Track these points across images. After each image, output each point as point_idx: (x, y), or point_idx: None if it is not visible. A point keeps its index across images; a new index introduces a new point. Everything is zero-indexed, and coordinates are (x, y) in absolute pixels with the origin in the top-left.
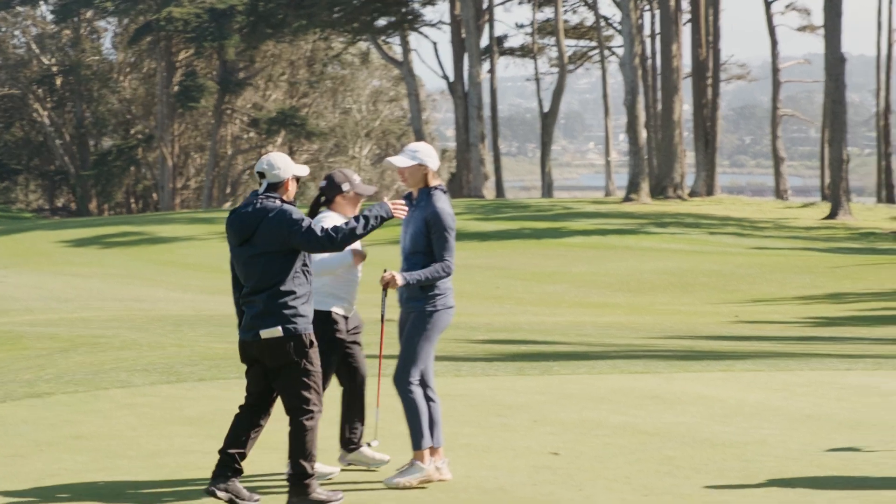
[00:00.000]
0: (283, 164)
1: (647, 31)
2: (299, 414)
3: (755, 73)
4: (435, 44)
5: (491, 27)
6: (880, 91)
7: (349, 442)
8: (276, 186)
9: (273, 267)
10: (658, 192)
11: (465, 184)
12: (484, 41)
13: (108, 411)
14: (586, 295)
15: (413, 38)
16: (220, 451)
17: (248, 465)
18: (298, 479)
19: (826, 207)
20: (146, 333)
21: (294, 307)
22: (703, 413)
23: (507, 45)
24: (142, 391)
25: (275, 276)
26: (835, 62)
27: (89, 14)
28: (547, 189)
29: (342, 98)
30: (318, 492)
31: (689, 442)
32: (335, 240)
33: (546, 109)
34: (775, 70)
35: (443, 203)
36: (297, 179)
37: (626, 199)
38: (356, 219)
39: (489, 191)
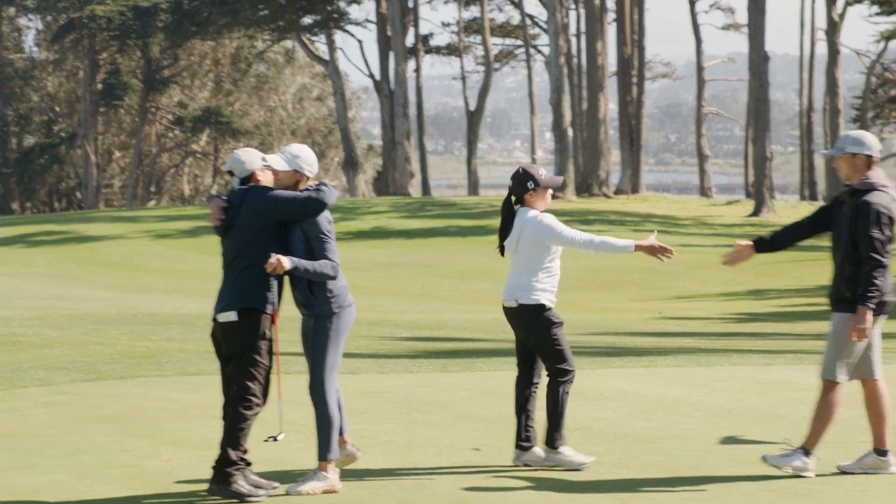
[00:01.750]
0: (248, 157)
1: (572, 29)
2: (237, 403)
3: (680, 71)
4: (361, 42)
5: (417, 25)
6: (803, 90)
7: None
8: (247, 180)
9: (238, 248)
10: (584, 189)
11: (391, 182)
12: (410, 40)
13: (25, 409)
14: None
15: (339, 36)
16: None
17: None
18: (224, 468)
19: (750, 205)
20: (68, 332)
21: (247, 292)
22: (624, 408)
23: (433, 43)
24: (61, 389)
25: (238, 254)
26: (759, 61)
27: (11, 11)
28: (473, 187)
29: (267, 96)
30: (241, 484)
31: (610, 437)
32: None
33: (472, 108)
34: (700, 69)
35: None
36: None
37: (552, 196)
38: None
39: (415, 189)
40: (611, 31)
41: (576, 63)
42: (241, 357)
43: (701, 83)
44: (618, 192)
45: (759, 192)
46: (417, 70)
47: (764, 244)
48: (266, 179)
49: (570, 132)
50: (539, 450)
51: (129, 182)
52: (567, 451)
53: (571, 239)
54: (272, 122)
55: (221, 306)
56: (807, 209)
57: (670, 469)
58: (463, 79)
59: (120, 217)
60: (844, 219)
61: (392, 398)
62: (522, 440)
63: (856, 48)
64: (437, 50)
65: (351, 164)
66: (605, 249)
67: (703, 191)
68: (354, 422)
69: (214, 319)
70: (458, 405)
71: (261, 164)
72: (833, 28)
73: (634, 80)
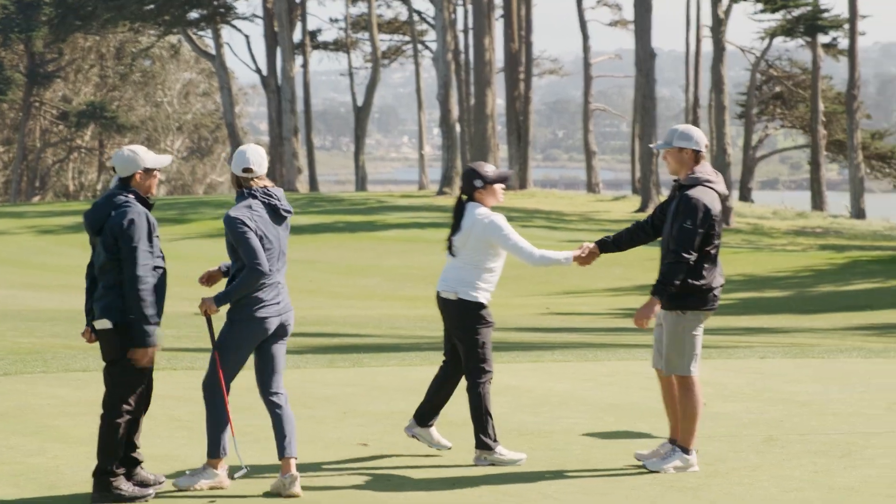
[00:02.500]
0: (131, 157)
1: (460, 25)
2: (108, 410)
3: (567, 67)
4: (247, 37)
5: (304, 21)
6: (689, 86)
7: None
8: (126, 180)
9: (105, 261)
10: None
11: (278, 178)
12: (297, 35)
13: None
14: (399, 288)
15: (225, 31)
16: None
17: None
18: (102, 476)
19: (636, 200)
20: None
21: (117, 301)
22: (512, 403)
23: (320, 39)
24: None
25: (104, 268)
26: (645, 57)
27: None
28: (361, 183)
29: (153, 91)
30: (123, 487)
31: (498, 432)
32: (134, 286)
33: (360, 104)
34: (587, 65)
35: (236, 211)
36: (152, 171)
37: (440, 192)
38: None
39: (303, 184)
40: (498, 27)
41: (463, 59)
42: (111, 365)
43: (588, 79)
44: (505, 187)
45: (645, 187)
46: (305, 66)
47: (607, 245)
48: (149, 184)
49: (457, 128)
50: (434, 431)
51: (12, 177)
52: (501, 451)
53: (515, 244)
54: (158, 117)
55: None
56: None
57: (558, 463)
58: (350, 75)
59: (3, 213)
60: (670, 214)
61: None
62: (423, 414)
63: (741, 45)
64: (325, 46)
65: None
66: (544, 263)
67: (591, 186)
68: (240, 418)
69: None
70: (346, 401)
71: (143, 166)
72: (718, 25)
73: (522, 76)
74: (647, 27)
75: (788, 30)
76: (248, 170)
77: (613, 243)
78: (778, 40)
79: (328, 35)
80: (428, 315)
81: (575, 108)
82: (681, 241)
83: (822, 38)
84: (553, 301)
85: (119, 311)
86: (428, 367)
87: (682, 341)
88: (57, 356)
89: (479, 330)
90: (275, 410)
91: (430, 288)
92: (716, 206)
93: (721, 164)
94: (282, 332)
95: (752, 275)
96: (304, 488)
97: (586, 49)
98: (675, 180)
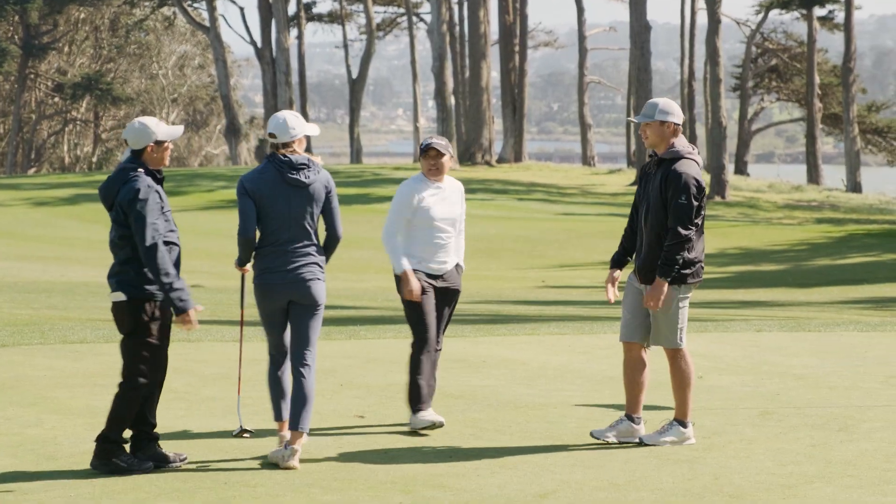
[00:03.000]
0: (143, 131)
1: None
2: (125, 382)
3: (562, 40)
4: (242, 9)
5: None
6: (684, 59)
7: None
8: (138, 153)
9: (118, 235)
10: (466, 158)
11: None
12: (292, 7)
13: None
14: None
15: (220, 3)
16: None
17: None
18: (104, 444)
19: (632, 174)
20: None
21: (132, 275)
22: (507, 376)
23: (315, 11)
24: None
25: (118, 242)
26: (640, 30)
27: None
28: (356, 155)
29: (148, 63)
30: (122, 459)
31: (494, 404)
32: (151, 259)
33: (354, 76)
34: (582, 37)
35: (245, 175)
36: (163, 144)
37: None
38: (175, 272)
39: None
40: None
41: (458, 31)
42: (127, 338)
43: (583, 52)
44: (500, 160)
45: (641, 160)
46: (300, 38)
47: (621, 260)
48: (160, 156)
49: (452, 100)
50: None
51: (8, 150)
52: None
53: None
54: (153, 89)
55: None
56: None
57: (553, 436)
58: (345, 47)
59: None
60: (655, 189)
61: None
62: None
63: (736, 18)
64: (320, 18)
65: (233, 132)
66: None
67: (586, 159)
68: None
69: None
70: (342, 373)
71: (154, 139)
72: None
73: (517, 48)
74: None
75: (784, 2)
76: (271, 135)
77: (624, 254)
78: (774, 13)
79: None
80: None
81: (570, 80)
82: (680, 217)
83: (818, 11)
84: (548, 274)
85: (132, 286)
86: None
87: (676, 315)
88: (54, 328)
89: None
90: (296, 380)
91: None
92: (701, 179)
93: (717, 137)
94: (302, 301)
95: (748, 248)
96: (300, 460)
97: (581, 21)
98: (651, 154)
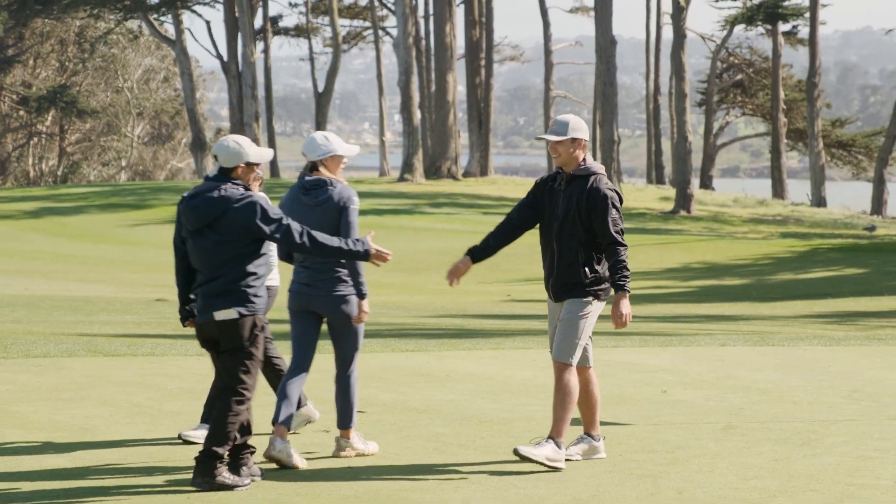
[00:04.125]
0: (237, 150)
1: (420, 11)
2: (232, 395)
3: (528, 54)
4: (208, 23)
5: (265, 6)
6: (650, 74)
7: None
8: (227, 171)
9: (234, 253)
10: (432, 172)
11: None
12: (258, 21)
13: None
14: None
15: (186, 16)
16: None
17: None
18: (209, 461)
19: None
20: None
21: (249, 291)
22: (471, 390)
23: (281, 24)
24: None
25: (235, 260)
26: (606, 44)
27: None
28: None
29: (113, 77)
30: (225, 476)
31: (458, 419)
32: (309, 247)
33: (321, 89)
34: (548, 52)
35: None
36: (253, 165)
37: (401, 178)
38: (338, 239)
39: (264, 170)
40: (459, 14)
41: (424, 45)
42: (239, 350)
43: (549, 66)
44: (466, 174)
45: (607, 175)
46: (266, 51)
47: (477, 252)
48: (248, 177)
49: (418, 114)
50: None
51: None
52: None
53: None
54: (118, 102)
55: (218, 303)
56: (654, 192)
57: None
58: (311, 60)
59: None
60: (570, 207)
61: None
62: None
63: (701, 33)
64: (286, 31)
65: (199, 146)
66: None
67: None
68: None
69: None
70: (307, 387)
71: (245, 160)
72: (679, 12)
73: (483, 62)
74: (608, 14)
75: (749, 17)
76: (304, 154)
77: (483, 250)
78: (738, 28)
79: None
80: (389, 302)
81: (536, 94)
82: (617, 230)
83: (783, 27)
84: (514, 288)
85: (246, 302)
86: (389, 353)
87: (582, 328)
88: (17, 342)
89: None
90: (340, 388)
91: (388, 274)
92: (618, 191)
93: (682, 151)
94: (327, 317)
95: (713, 262)
96: (264, 475)
97: (547, 36)
98: (558, 169)
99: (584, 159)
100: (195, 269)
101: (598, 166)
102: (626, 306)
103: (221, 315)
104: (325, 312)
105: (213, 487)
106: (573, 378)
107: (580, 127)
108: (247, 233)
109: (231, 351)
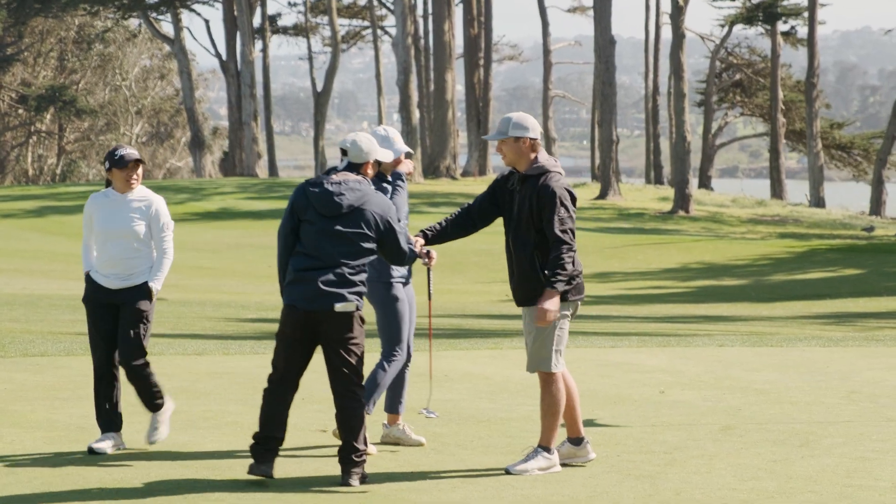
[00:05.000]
0: (368, 147)
1: (419, 10)
2: (354, 393)
3: (527, 54)
4: (207, 21)
5: (263, 5)
6: (649, 73)
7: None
8: (357, 166)
9: (360, 246)
10: (431, 171)
11: (237, 162)
12: (257, 20)
13: None
14: None
15: (185, 15)
16: (259, 437)
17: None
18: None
19: (596, 188)
20: None
21: (362, 285)
22: (469, 390)
23: (280, 23)
24: None
25: (359, 254)
26: (605, 44)
27: None
28: (320, 168)
29: (112, 75)
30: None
31: (456, 419)
32: (407, 253)
33: (319, 89)
34: (546, 51)
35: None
36: (379, 164)
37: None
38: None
39: (262, 170)
40: (458, 13)
41: (423, 44)
42: (352, 344)
43: (548, 66)
44: (465, 173)
45: (605, 175)
46: (264, 50)
47: (432, 236)
48: (371, 173)
49: (417, 114)
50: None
51: None
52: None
53: None
54: (117, 101)
55: (338, 296)
56: (652, 192)
57: (515, 451)
58: (310, 59)
59: None
60: (523, 208)
61: (237, 379)
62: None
63: (700, 32)
64: (285, 30)
65: (197, 145)
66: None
67: None
68: (199, 403)
69: (316, 308)
70: (304, 387)
71: (374, 157)
72: (678, 12)
73: (481, 61)
74: (607, 14)
75: (748, 17)
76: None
77: (439, 235)
78: (737, 28)
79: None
80: None
81: (534, 94)
82: (563, 228)
83: (782, 26)
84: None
85: (360, 295)
86: None
87: (554, 336)
88: (15, 340)
89: None
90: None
91: None
92: (571, 190)
93: (680, 151)
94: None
95: (711, 263)
96: (262, 475)
97: (546, 35)
98: (512, 171)
99: (535, 157)
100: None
101: (551, 163)
102: (551, 304)
103: (341, 307)
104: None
105: (365, 480)
106: (558, 385)
107: (525, 124)
108: (378, 228)
109: (341, 342)
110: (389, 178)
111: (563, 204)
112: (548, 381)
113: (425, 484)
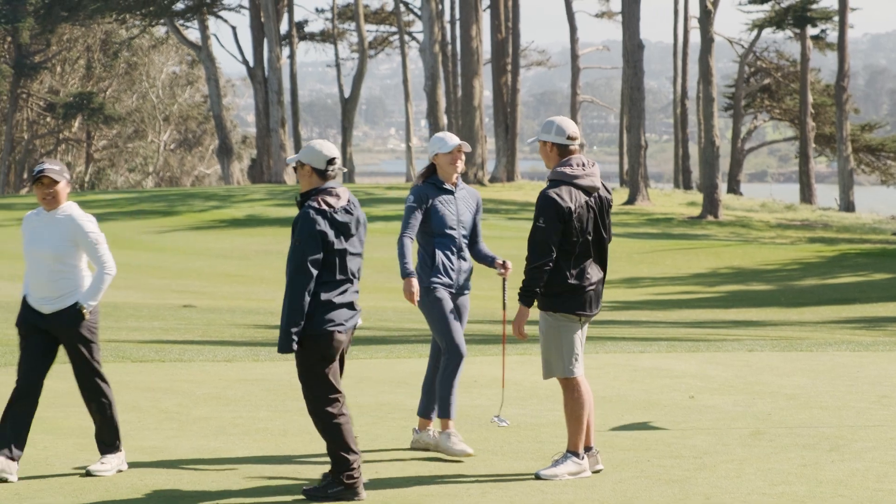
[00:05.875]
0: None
1: (447, 16)
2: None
3: (555, 59)
4: (234, 28)
5: (290, 12)
6: (677, 78)
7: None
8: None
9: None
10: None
11: (265, 169)
12: (284, 26)
13: None
14: (387, 280)
15: (212, 22)
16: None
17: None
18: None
19: (625, 193)
20: None
21: None
22: (499, 396)
23: (307, 30)
24: None
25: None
26: (633, 49)
27: None
28: (348, 175)
29: (139, 82)
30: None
31: (485, 424)
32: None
33: (347, 95)
34: (574, 56)
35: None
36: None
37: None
38: None
39: (290, 176)
40: (485, 18)
41: (450, 50)
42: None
43: (575, 71)
44: (493, 179)
45: (633, 180)
46: (291, 57)
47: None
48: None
49: (444, 119)
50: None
51: (0, 169)
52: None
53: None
54: (144, 108)
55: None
56: (681, 197)
57: (545, 456)
58: (337, 66)
59: None
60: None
61: (267, 386)
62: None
63: (729, 36)
64: (312, 36)
65: (225, 152)
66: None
67: None
68: (229, 409)
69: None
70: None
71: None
72: (706, 16)
73: (509, 67)
74: (635, 18)
75: (777, 21)
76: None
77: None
78: (766, 32)
79: (314, 26)
80: (415, 307)
81: (562, 99)
82: (535, 241)
83: (811, 30)
84: None
85: None
86: (416, 359)
87: (558, 342)
88: None
89: None
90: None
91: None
92: (572, 202)
93: (709, 156)
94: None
95: (740, 268)
96: (292, 481)
97: (574, 40)
98: None
99: (561, 163)
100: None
101: (567, 174)
102: (517, 316)
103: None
104: None
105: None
106: (578, 388)
107: (549, 129)
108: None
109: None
110: (447, 187)
111: (540, 214)
112: (566, 386)
113: (455, 488)
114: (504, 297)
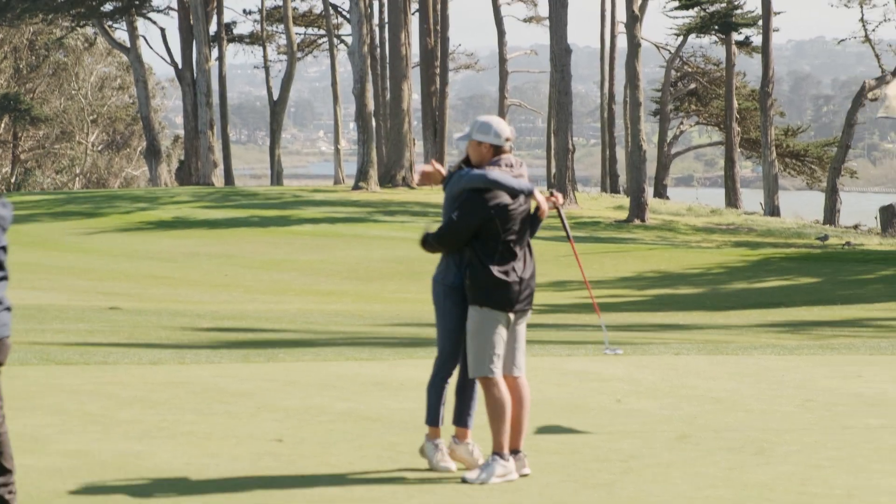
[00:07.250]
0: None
1: (375, 19)
2: None
3: (483, 62)
4: (163, 30)
5: (220, 13)
6: (604, 82)
7: None
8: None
9: None
10: (387, 180)
11: (193, 171)
12: (213, 28)
13: None
14: (314, 283)
15: (140, 23)
16: None
17: None
18: None
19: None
20: None
21: None
22: (424, 399)
23: (236, 31)
24: None
25: None
26: (560, 53)
27: None
28: (277, 177)
29: (67, 83)
30: None
31: (411, 428)
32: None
33: (276, 97)
34: (502, 60)
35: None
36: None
37: (355, 187)
38: None
39: (218, 178)
40: (414, 22)
41: (379, 53)
42: None
43: (504, 75)
44: (421, 183)
45: (561, 183)
46: (220, 59)
47: None
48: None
49: (373, 122)
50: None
51: None
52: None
53: None
54: (72, 109)
55: None
56: (608, 201)
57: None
58: (266, 68)
59: None
60: None
61: (192, 388)
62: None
63: (656, 41)
64: (240, 38)
65: (153, 153)
66: None
67: None
68: (154, 412)
69: None
70: (260, 396)
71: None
72: (633, 21)
73: (438, 70)
74: (563, 23)
75: (703, 26)
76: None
77: None
78: (692, 37)
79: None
80: (343, 310)
81: (491, 103)
82: (447, 231)
83: (736, 36)
84: None
85: None
86: (343, 362)
87: (481, 339)
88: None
89: None
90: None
91: (346, 283)
92: (496, 202)
93: (636, 160)
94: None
95: (666, 271)
96: (216, 484)
97: (502, 44)
98: None
99: (491, 162)
100: None
101: (484, 169)
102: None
103: None
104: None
105: None
106: (498, 388)
107: (486, 129)
108: None
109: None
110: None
111: (462, 207)
112: (484, 385)
113: (381, 491)
114: (566, 227)
